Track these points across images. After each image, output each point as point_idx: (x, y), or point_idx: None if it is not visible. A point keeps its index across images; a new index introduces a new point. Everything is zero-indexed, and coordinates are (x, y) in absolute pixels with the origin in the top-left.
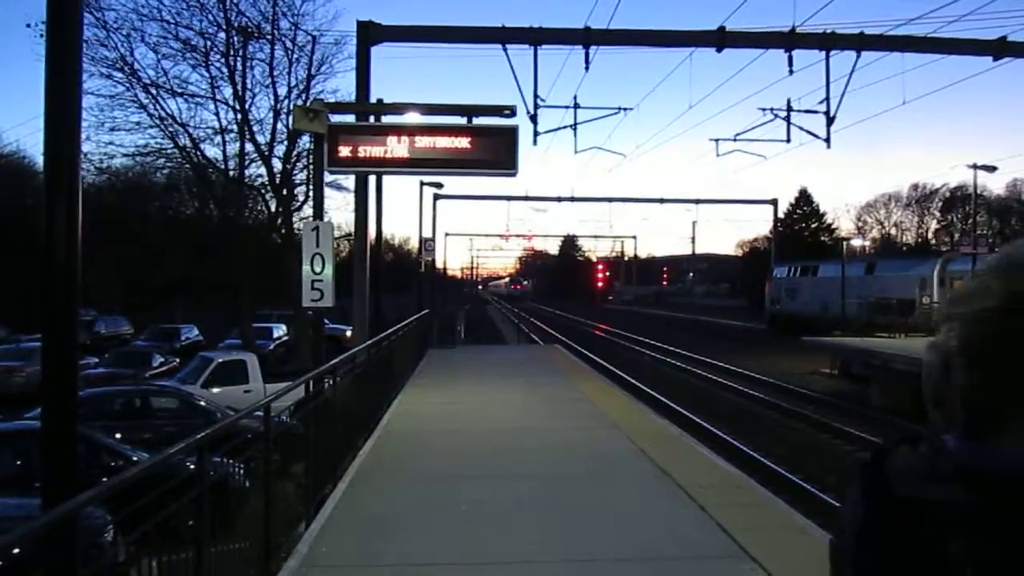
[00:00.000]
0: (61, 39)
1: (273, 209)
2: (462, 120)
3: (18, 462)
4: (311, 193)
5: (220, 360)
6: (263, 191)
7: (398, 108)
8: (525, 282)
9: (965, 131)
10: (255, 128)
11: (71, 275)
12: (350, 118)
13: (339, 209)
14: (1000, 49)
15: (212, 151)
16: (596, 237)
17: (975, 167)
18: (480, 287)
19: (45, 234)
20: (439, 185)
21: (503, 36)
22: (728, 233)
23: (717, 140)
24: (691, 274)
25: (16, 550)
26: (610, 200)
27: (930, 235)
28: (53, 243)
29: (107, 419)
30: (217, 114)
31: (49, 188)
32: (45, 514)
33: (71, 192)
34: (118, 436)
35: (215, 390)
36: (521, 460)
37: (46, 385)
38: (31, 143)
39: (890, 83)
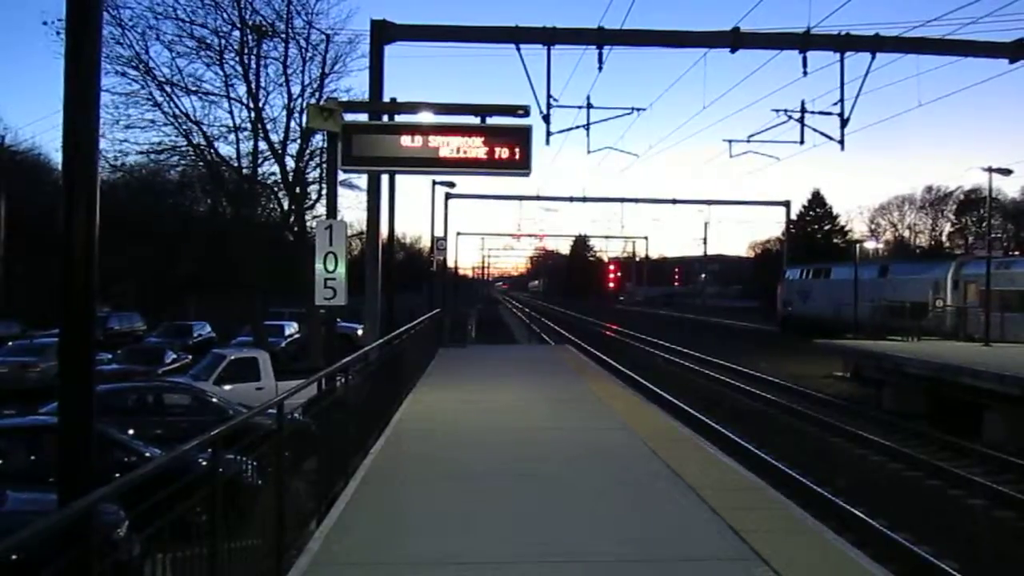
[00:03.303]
0: (81, 37)
1: (286, 207)
2: (475, 120)
3: (33, 457)
4: (324, 191)
5: (232, 357)
6: (276, 189)
7: (411, 107)
8: (530, 283)
9: (980, 134)
10: (268, 126)
11: (89, 272)
12: (363, 117)
13: (351, 208)
14: (1016, 51)
15: (226, 149)
16: (608, 237)
17: (990, 170)
18: (501, 286)
19: (64, 231)
20: (451, 184)
21: (517, 36)
22: (740, 234)
23: (730, 141)
24: (703, 275)
25: (32, 545)
26: (622, 200)
27: (944, 238)
28: (72, 240)
29: (120, 415)
30: (231, 112)
31: (68, 185)
32: (61, 509)
33: (89, 189)
34: (131, 432)
35: (227, 387)
36: (531, 460)
37: (63, 381)
38: (47, 140)
39: (905, 85)
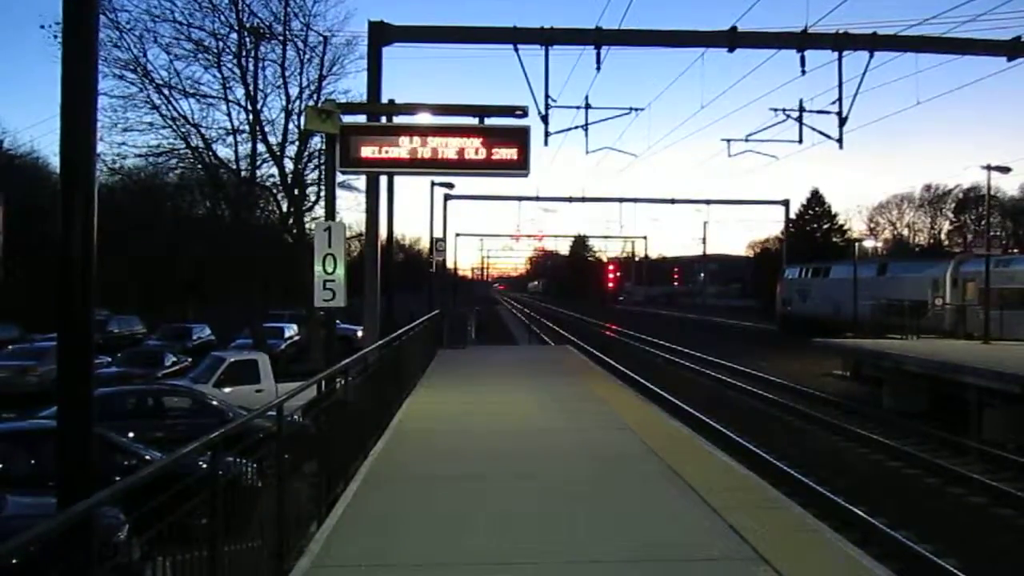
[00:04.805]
0: (78, 40)
1: (285, 209)
2: (474, 120)
3: (32, 461)
4: (323, 193)
5: (232, 360)
6: (275, 191)
7: (410, 108)
8: (529, 284)
9: (979, 132)
10: (267, 128)
11: (87, 275)
12: (361, 118)
13: (350, 209)
14: (1014, 49)
15: (224, 151)
16: (607, 237)
17: (989, 168)
18: (497, 287)
19: (62, 234)
20: (450, 185)
21: (515, 36)
22: (739, 234)
23: (729, 140)
24: (702, 275)
25: (31, 549)
26: (621, 200)
27: (943, 236)
28: (70, 243)
29: (120, 418)
30: (229, 115)
31: (66, 188)
32: (61, 513)
33: (87, 192)
34: (131, 435)
35: (227, 390)
36: (532, 461)
37: (62, 385)
38: (45, 143)
39: (903, 83)
